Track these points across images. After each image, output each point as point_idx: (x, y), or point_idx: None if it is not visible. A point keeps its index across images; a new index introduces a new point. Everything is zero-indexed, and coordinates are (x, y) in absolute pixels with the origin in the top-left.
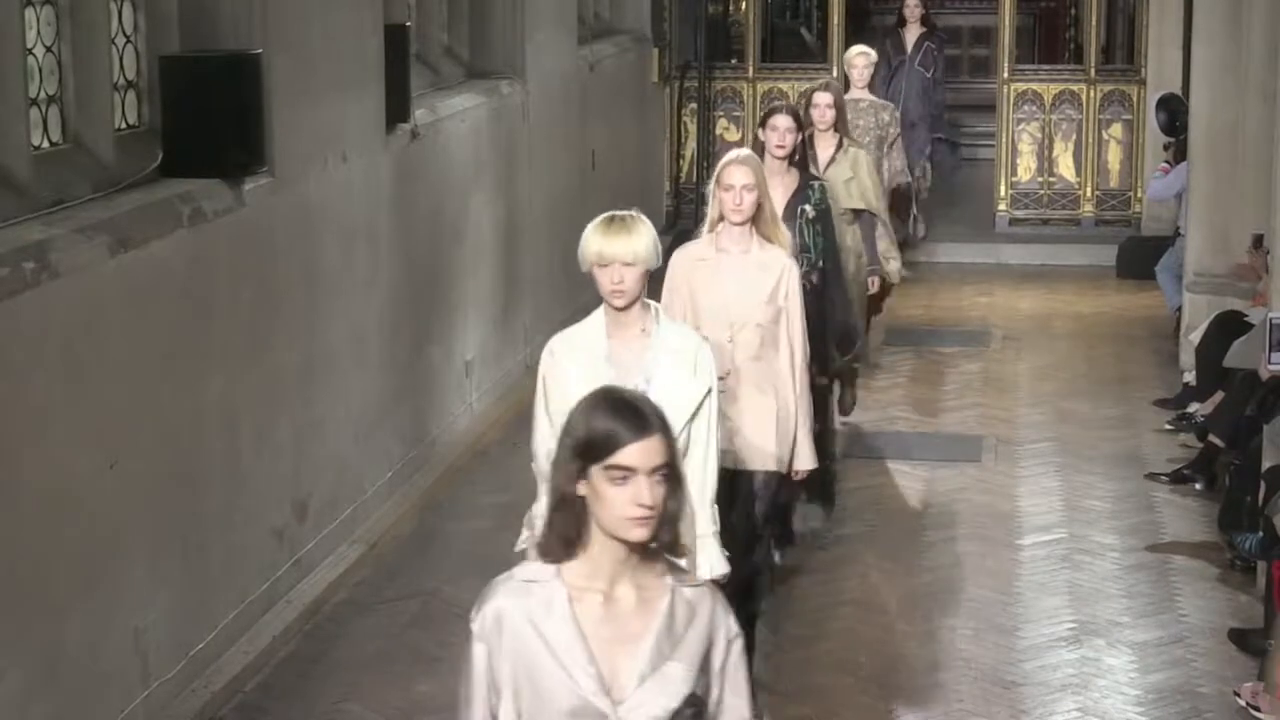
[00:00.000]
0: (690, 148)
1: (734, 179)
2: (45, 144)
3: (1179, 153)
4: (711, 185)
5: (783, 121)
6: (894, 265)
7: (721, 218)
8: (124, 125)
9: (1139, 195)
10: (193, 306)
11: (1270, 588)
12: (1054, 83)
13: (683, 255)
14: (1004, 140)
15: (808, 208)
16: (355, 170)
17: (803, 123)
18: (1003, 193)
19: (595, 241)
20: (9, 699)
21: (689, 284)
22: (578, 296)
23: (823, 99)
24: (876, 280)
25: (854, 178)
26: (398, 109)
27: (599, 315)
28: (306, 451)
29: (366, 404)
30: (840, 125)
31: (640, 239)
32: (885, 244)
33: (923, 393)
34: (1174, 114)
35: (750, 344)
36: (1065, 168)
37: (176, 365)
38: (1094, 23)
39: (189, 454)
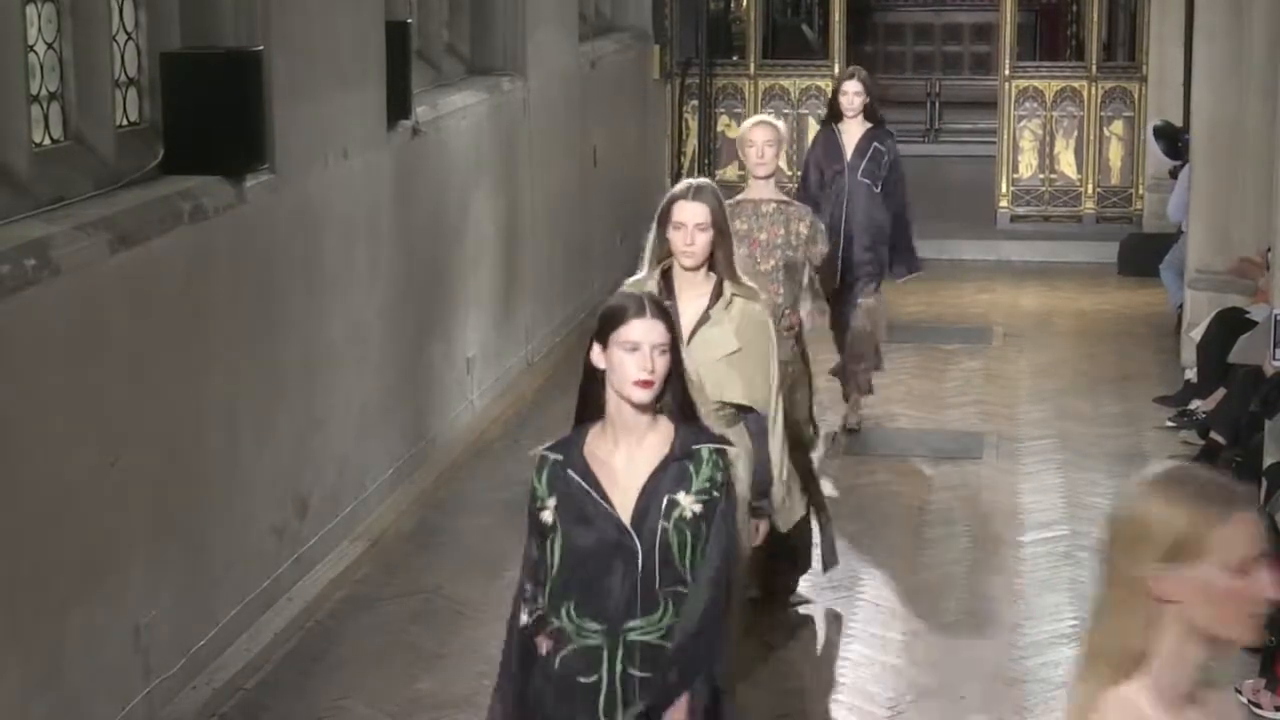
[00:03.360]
0: (692, 145)
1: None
2: (46, 141)
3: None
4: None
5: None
6: (796, 510)
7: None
8: (125, 122)
9: (1140, 192)
10: (193, 304)
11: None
12: (1055, 80)
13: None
14: (1005, 137)
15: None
16: (356, 167)
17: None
18: (1004, 190)
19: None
20: (10, 696)
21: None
22: (579, 293)
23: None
24: (762, 527)
25: (738, 351)
26: (399, 106)
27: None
28: (307, 448)
29: (367, 401)
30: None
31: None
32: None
33: (924, 390)
34: (1172, 139)
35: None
36: (1067, 165)
37: (177, 362)
38: (1095, 19)
39: (190, 451)
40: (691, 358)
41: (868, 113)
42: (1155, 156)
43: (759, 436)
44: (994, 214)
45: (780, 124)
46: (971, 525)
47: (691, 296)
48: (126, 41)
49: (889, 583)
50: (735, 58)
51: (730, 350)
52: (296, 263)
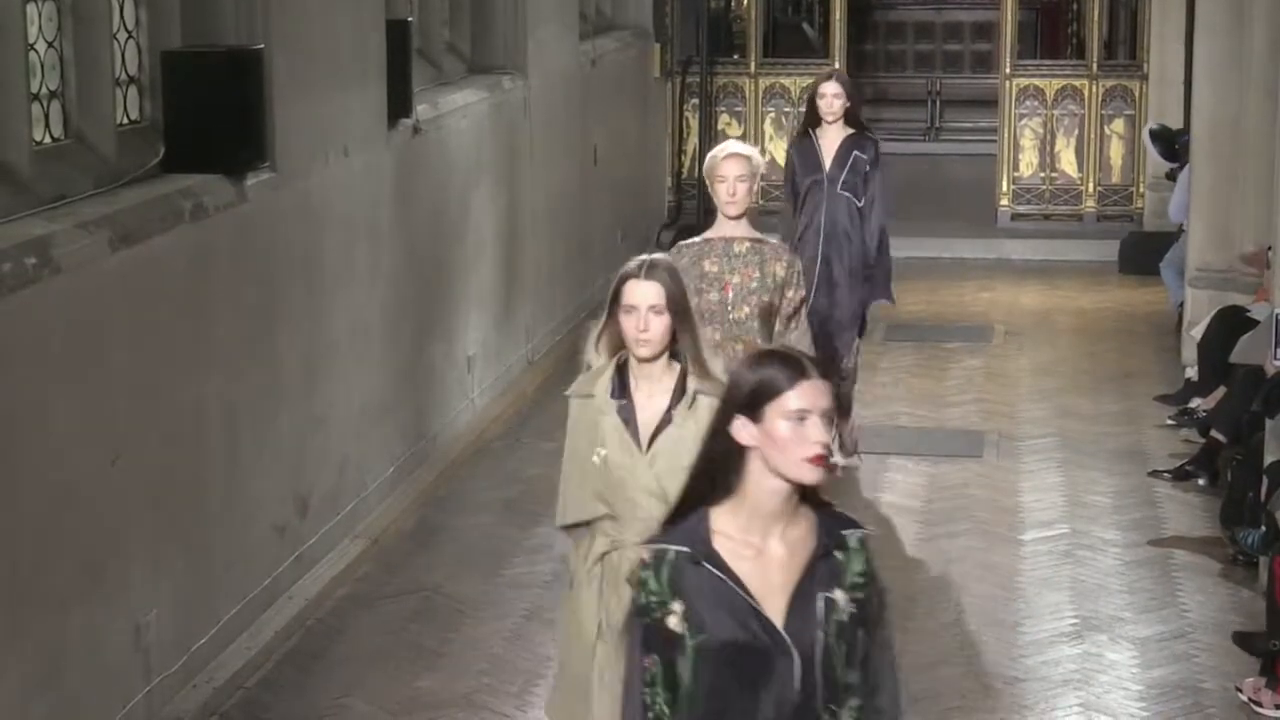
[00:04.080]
0: (692, 143)
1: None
2: (47, 139)
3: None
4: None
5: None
6: None
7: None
8: (125, 121)
9: (1141, 191)
10: (194, 302)
11: (1272, 583)
12: (1056, 78)
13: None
14: (1006, 136)
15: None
16: (357, 166)
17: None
18: (1005, 188)
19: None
20: (10, 695)
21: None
22: (580, 292)
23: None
24: None
25: None
26: (399, 104)
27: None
28: (308, 447)
29: (368, 399)
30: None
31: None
32: None
33: (925, 388)
34: (1169, 141)
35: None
36: (1067, 163)
37: (178, 361)
38: (1096, 18)
39: (190, 449)
40: (652, 468)
41: (849, 117)
42: (1152, 159)
43: None
44: (995, 212)
45: (754, 155)
46: (972, 524)
47: (650, 393)
48: (127, 40)
49: (889, 581)
50: (736, 56)
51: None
52: (297, 261)
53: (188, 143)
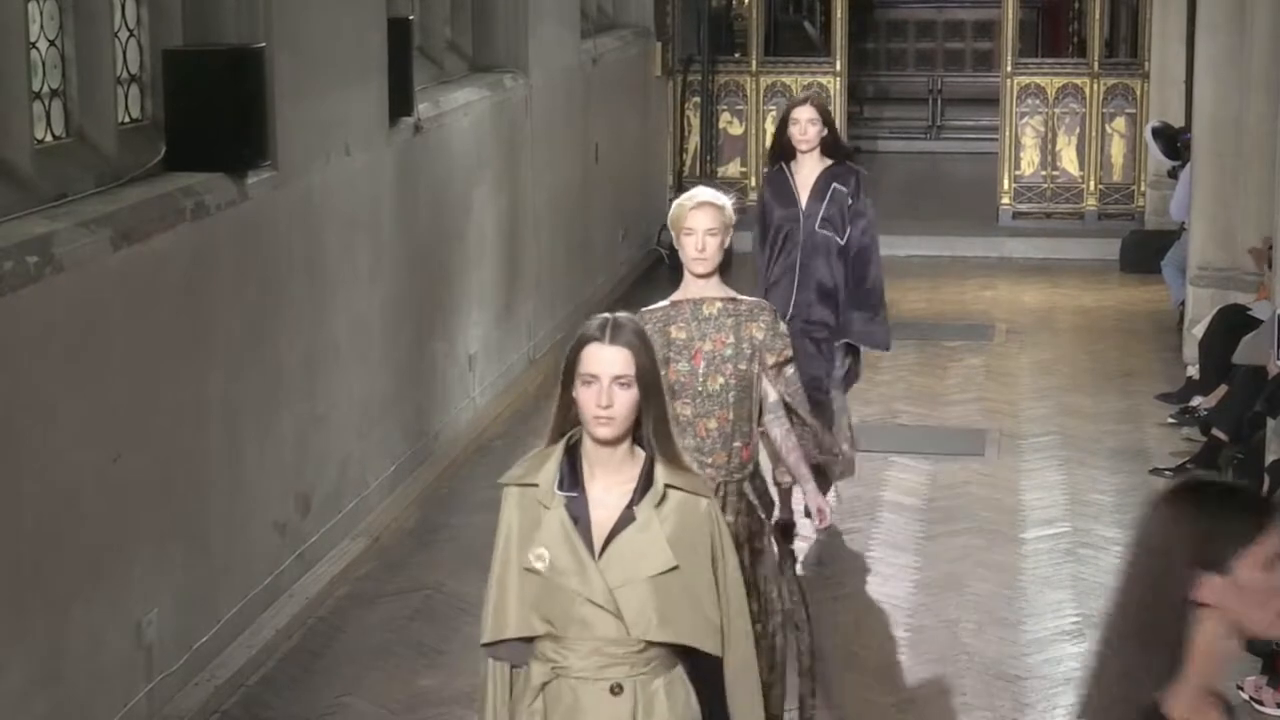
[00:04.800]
0: (693, 142)
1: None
2: (48, 138)
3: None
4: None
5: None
6: None
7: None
8: (127, 119)
9: (1142, 189)
10: (195, 300)
11: None
12: (1057, 76)
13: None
14: (1007, 134)
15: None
16: (358, 164)
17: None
18: (1006, 186)
19: None
20: (12, 693)
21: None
22: (580, 291)
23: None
24: None
25: (674, 570)
26: (401, 103)
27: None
28: (309, 445)
29: (369, 398)
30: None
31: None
32: None
33: (926, 386)
34: (1170, 139)
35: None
36: (1069, 161)
37: (179, 359)
38: (1097, 16)
39: (192, 448)
40: (606, 577)
41: (826, 146)
42: (1154, 157)
43: (708, 687)
44: (996, 211)
45: (727, 205)
46: (973, 522)
47: (608, 485)
48: (128, 38)
49: (891, 579)
50: (737, 55)
51: (662, 568)
52: (298, 260)
53: (189, 141)
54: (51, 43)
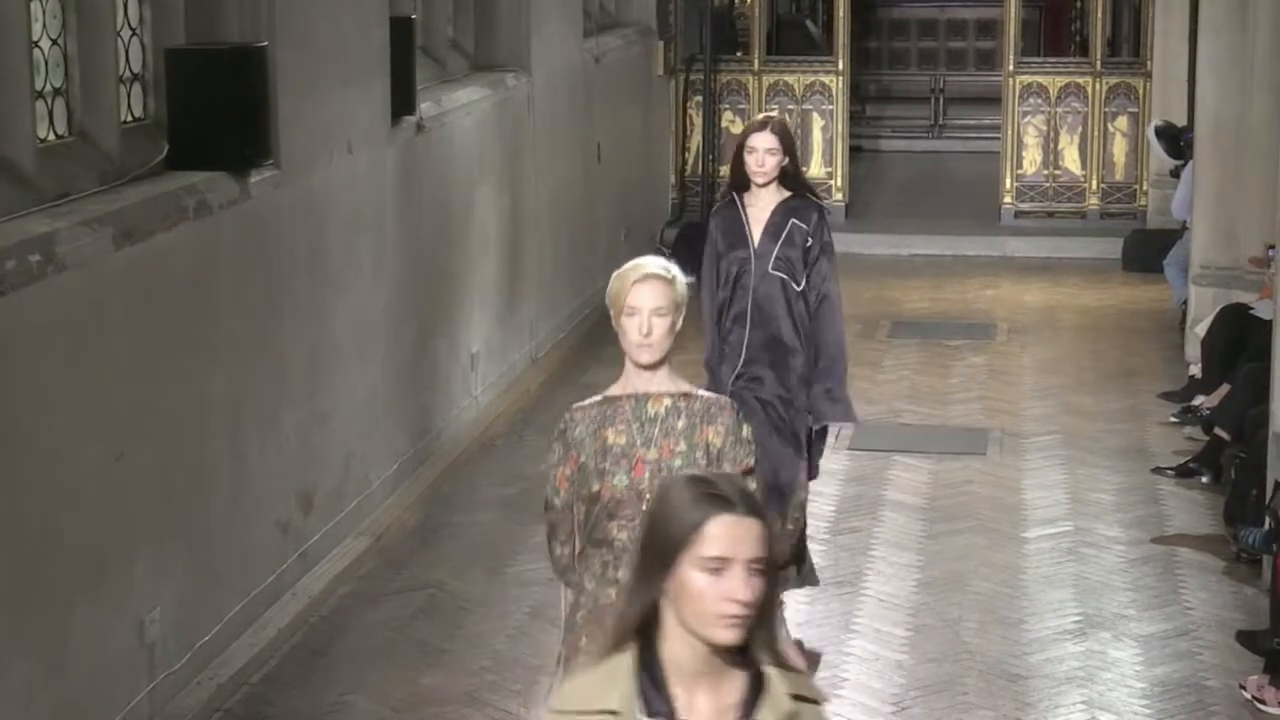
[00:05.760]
0: (695, 140)
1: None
2: (51, 137)
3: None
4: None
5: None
6: None
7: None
8: (129, 118)
9: (1144, 188)
10: (198, 299)
11: (1275, 581)
12: (1060, 75)
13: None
14: (1010, 133)
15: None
16: (360, 163)
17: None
18: (1008, 185)
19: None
20: (15, 691)
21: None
22: (583, 289)
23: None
24: None
25: None
26: (403, 102)
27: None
28: (312, 444)
29: (372, 396)
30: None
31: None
32: None
33: (928, 385)
34: (1173, 138)
35: None
36: (1071, 160)
37: (182, 358)
38: (1099, 15)
39: (194, 446)
40: None
41: (786, 177)
42: (1157, 156)
43: None
44: (998, 210)
45: (679, 277)
46: (975, 521)
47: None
48: (131, 37)
49: (893, 578)
50: (739, 54)
51: None
52: (301, 258)
53: (191, 140)
54: (54, 41)
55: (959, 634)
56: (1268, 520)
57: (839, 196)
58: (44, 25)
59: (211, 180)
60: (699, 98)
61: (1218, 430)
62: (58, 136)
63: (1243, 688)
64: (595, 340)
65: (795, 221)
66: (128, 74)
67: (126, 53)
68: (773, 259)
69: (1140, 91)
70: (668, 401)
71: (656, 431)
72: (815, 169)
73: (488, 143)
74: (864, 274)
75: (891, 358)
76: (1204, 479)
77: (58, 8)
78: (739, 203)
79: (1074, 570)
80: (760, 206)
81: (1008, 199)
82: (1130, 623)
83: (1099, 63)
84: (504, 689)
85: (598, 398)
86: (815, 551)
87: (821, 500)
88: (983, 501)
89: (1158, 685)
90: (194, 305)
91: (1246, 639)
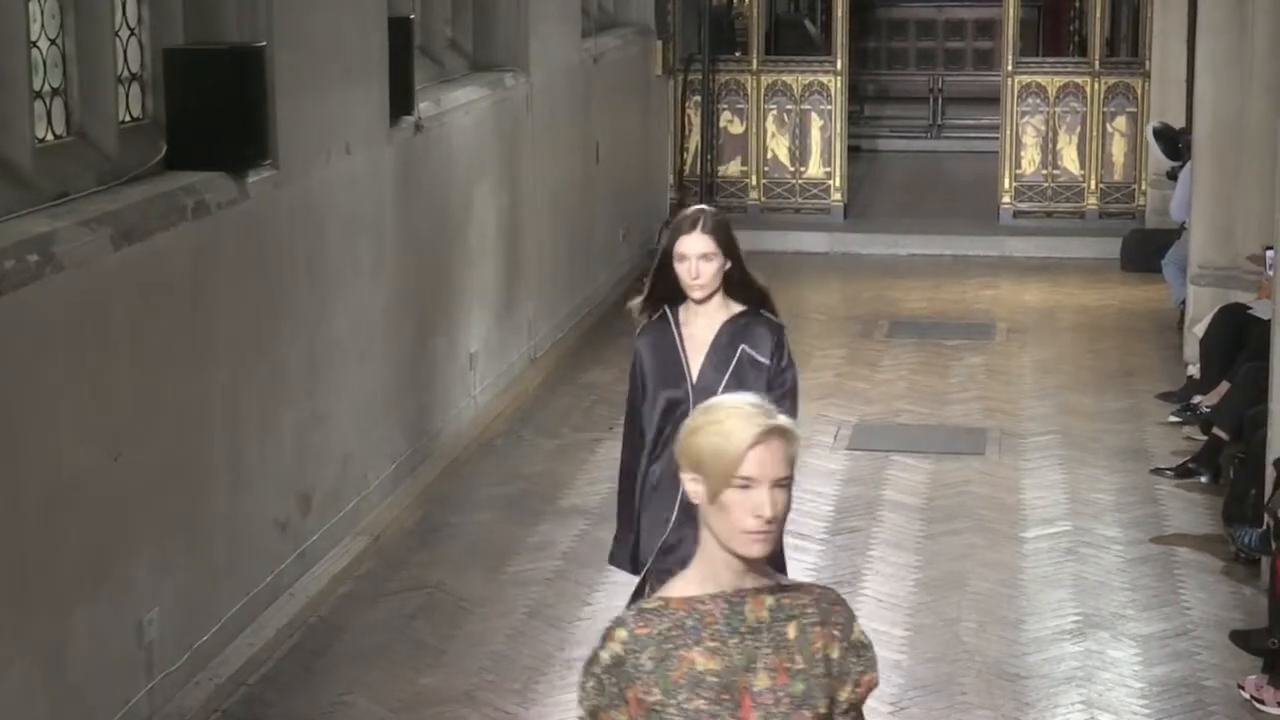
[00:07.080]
0: (694, 140)
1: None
2: (49, 137)
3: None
4: None
5: None
6: None
7: None
8: (128, 118)
9: (1143, 188)
10: (196, 299)
11: (1274, 581)
12: (1058, 75)
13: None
14: (1008, 133)
15: None
16: (359, 163)
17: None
18: (1007, 185)
19: None
20: (13, 691)
21: None
22: (581, 290)
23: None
24: None
25: None
26: (401, 102)
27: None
28: (310, 444)
29: (370, 396)
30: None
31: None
32: None
33: (927, 385)
34: (1171, 140)
35: None
36: (1069, 160)
37: (180, 358)
38: (1098, 15)
39: (193, 446)
40: None
41: (731, 286)
42: (1155, 157)
43: None
44: (997, 210)
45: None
46: (974, 521)
47: None
48: (129, 37)
49: (891, 578)
50: (738, 54)
51: None
52: (299, 258)
53: (190, 140)
54: (52, 41)
55: (958, 634)
56: (1266, 520)
57: (837, 196)
58: (42, 25)
59: (210, 180)
60: (697, 98)
61: (1216, 430)
62: (56, 136)
63: (1241, 688)
64: (594, 340)
65: (745, 347)
66: (126, 74)
67: (125, 53)
68: (720, 394)
69: (1139, 91)
70: (769, 600)
71: (766, 645)
72: (814, 169)
73: (486, 143)
74: (862, 274)
75: (890, 358)
76: (1203, 479)
77: (56, 8)
78: (671, 320)
79: (1073, 570)
80: (700, 325)
81: (1006, 199)
82: (1129, 623)
83: (1098, 63)
84: (503, 689)
85: (657, 600)
86: (815, 551)
87: (820, 500)
88: (981, 501)
89: (1156, 685)
90: (193, 305)
91: (1241, 639)
